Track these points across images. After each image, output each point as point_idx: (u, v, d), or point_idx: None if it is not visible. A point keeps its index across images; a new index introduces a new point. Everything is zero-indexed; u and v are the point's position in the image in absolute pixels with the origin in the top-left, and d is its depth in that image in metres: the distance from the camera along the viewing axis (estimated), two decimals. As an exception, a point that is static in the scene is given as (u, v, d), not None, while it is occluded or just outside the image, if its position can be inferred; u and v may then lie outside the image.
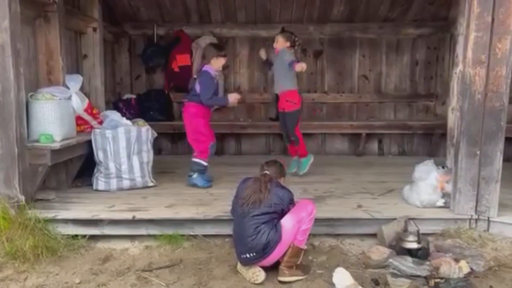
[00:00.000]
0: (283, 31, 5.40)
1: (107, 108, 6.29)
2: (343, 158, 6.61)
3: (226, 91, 6.74)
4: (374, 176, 5.32)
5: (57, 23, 4.32)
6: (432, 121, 6.63)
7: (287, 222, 3.10)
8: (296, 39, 5.21)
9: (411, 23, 6.62)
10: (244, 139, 6.88)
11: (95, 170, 4.50)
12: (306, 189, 4.62)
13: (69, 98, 4.13)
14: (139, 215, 3.71)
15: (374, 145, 6.92)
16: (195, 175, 4.69)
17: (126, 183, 4.49)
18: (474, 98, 3.53)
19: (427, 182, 3.85)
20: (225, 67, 6.42)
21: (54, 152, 3.81)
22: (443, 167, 3.94)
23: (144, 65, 6.67)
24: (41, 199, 3.99)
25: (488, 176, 3.60)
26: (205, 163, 4.72)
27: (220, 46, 5.19)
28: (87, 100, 4.68)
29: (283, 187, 3.28)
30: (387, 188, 4.62)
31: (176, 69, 6.50)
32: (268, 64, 5.43)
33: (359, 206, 3.94)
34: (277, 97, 5.43)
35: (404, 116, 6.91)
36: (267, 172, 3.31)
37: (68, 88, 4.24)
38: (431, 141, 6.68)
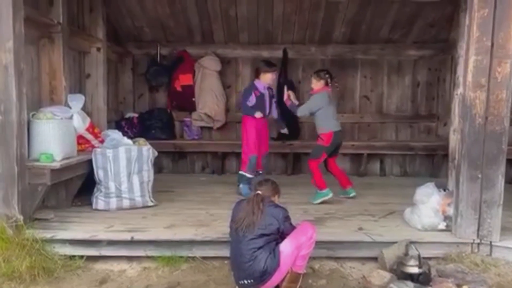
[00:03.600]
0: (316, 72, 5.15)
1: (109, 127, 6.34)
2: (344, 178, 6.59)
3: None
4: (376, 197, 5.29)
5: (60, 44, 4.37)
6: (434, 142, 6.62)
7: (285, 247, 3.06)
8: (327, 76, 4.98)
9: (412, 45, 6.68)
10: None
11: (95, 190, 4.49)
12: (307, 210, 4.59)
13: (71, 117, 4.15)
14: (138, 236, 3.68)
15: (376, 166, 6.91)
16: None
17: (125, 203, 4.47)
18: (475, 122, 3.53)
19: (428, 205, 3.82)
20: (227, 87, 6.54)
21: (54, 171, 3.81)
22: (444, 190, 3.91)
23: (147, 84, 6.72)
24: (39, 219, 3.97)
25: (490, 199, 3.57)
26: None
27: (270, 63, 5.39)
28: (89, 119, 4.69)
29: (276, 206, 3.26)
30: (389, 210, 4.58)
31: (179, 89, 6.55)
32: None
33: (360, 229, 3.90)
34: None
35: (405, 136, 6.91)
36: (259, 192, 3.29)
37: (70, 107, 4.25)
38: (433, 162, 6.66)
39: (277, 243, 3.14)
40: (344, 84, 6.82)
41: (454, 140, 4.31)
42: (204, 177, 6.54)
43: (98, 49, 5.38)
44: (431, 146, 6.55)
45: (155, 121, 6.51)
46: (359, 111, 6.90)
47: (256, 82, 5.21)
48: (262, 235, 3.09)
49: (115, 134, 4.53)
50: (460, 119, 3.68)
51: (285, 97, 5.20)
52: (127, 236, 3.67)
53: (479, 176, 3.56)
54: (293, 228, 3.23)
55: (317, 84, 5.01)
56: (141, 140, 4.83)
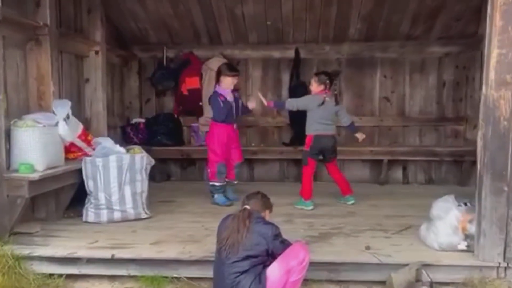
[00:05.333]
0: (317, 74, 5.02)
1: (114, 133, 6.14)
2: (363, 186, 6.07)
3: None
4: (393, 208, 4.82)
5: (48, 47, 4.14)
6: (462, 147, 6.04)
7: (273, 272, 2.68)
8: (328, 81, 4.81)
9: (436, 41, 6.13)
10: (257, 165, 6.51)
11: (86, 201, 4.24)
12: (312, 224, 4.18)
13: (56, 124, 3.89)
14: (120, 254, 3.38)
15: (398, 173, 6.39)
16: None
17: (117, 215, 4.19)
18: (499, 125, 3.03)
19: (446, 221, 3.33)
20: (237, 89, 6.15)
21: (33, 183, 3.55)
22: (465, 204, 3.40)
23: (153, 88, 6.47)
24: (22, 233, 3.74)
25: (519, 216, 3.06)
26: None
27: (232, 66, 5.22)
28: (81, 126, 4.45)
29: (266, 222, 2.89)
30: (405, 224, 4.11)
31: (185, 92, 6.26)
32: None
33: (367, 248, 3.45)
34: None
35: (430, 141, 6.36)
36: (247, 206, 2.93)
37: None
38: (462, 169, 6.08)
39: (265, 266, 2.76)
40: (362, 85, 6.39)
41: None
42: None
43: (97, 53, 5.14)
44: (459, 151, 5.98)
45: (161, 126, 6.23)
46: (379, 114, 6.40)
47: (217, 89, 4.91)
48: (248, 257, 2.73)
49: (107, 142, 4.26)
50: (482, 122, 3.18)
51: (265, 102, 5.02)
52: (107, 254, 3.37)
53: (505, 189, 3.06)
54: (285, 247, 2.84)
55: (317, 88, 4.81)
56: (136, 148, 4.55)
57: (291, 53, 6.24)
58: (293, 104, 4.91)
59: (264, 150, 6.28)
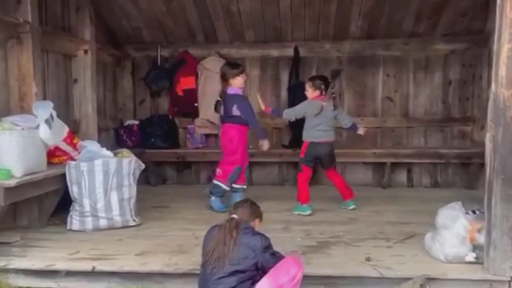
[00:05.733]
0: (311, 78, 4.76)
1: (107, 135, 5.94)
2: (365, 190, 5.82)
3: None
4: (397, 214, 4.56)
5: (30, 45, 3.93)
6: (469, 148, 5.77)
7: (262, 288, 2.44)
8: (323, 86, 4.57)
9: (441, 37, 5.86)
10: (256, 168, 6.26)
11: (71, 208, 4.02)
12: (310, 232, 3.93)
13: (37, 127, 3.67)
14: (101, 266, 3.14)
15: (402, 176, 6.13)
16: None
17: (103, 223, 3.96)
18: (510, 127, 2.77)
19: (452, 230, 3.07)
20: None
21: (10, 190, 3.31)
22: (474, 212, 3.14)
23: (147, 88, 6.24)
24: (1, 242, 3.52)
25: (533, 225, 2.80)
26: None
27: (235, 64, 4.94)
28: (67, 129, 4.24)
29: (255, 233, 2.65)
30: (409, 232, 3.85)
31: (180, 93, 6.03)
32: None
33: (368, 259, 3.19)
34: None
35: (436, 142, 6.08)
36: (235, 216, 2.69)
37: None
38: (469, 172, 5.82)
39: (254, 282, 2.52)
40: (364, 84, 6.13)
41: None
42: (207, 189, 5.97)
43: (86, 52, 4.94)
44: (466, 153, 5.71)
45: (155, 128, 6.02)
46: (382, 115, 6.13)
47: (236, 91, 4.61)
48: (235, 272, 2.50)
49: (92, 145, 4.04)
50: (491, 124, 2.92)
51: (263, 106, 4.74)
52: (88, 266, 3.14)
53: (518, 196, 2.80)
54: (276, 260, 2.60)
55: (312, 94, 4.60)
56: (125, 152, 4.33)
57: (290, 52, 6.00)
58: (291, 115, 4.70)
59: (263, 153, 6.01)
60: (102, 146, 4.97)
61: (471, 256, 3.05)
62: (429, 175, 6.08)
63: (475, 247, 3.05)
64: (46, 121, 3.73)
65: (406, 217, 4.43)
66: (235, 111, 4.56)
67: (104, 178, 3.93)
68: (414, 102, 6.09)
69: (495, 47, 2.89)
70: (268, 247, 2.62)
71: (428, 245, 3.26)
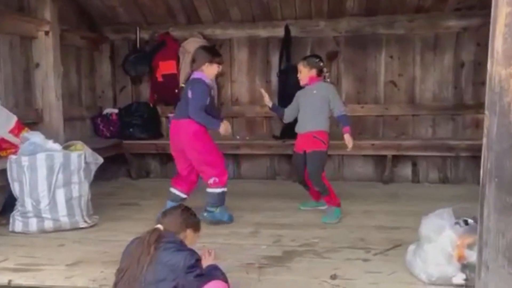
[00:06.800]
0: (305, 57, 4.11)
1: (83, 125, 5.56)
2: (364, 185, 5.27)
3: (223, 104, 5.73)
4: (390, 216, 3.97)
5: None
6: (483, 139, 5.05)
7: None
8: (322, 64, 3.96)
9: (452, 13, 5.14)
10: (244, 160, 5.76)
11: (15, 207, 3.61)
12: (279, 239, 3.39)
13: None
14: (20, 279, 2.72)
15: (407, 170, 5.49)
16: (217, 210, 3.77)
17: (48, 224, 3.53)
18: (508, 116, 2.14)
19: (436, 245, 2.48)
20: (220, 75, 5.34)
21: None
22: (465, 223, 2.53)
23: (126, 74, 5.78)
24: None
25: (536, 243, 2.17)
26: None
27: (214, 50, 4.23)
28: (14, 119, 3.84)
29: (180, 249, 2.14)
30: (397, 240, 3.27)
31: (160, 79, 5.54)
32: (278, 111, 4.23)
33: (333, 278, 2.63)
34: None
35: (446, 133, 5.40)
36: (160, 226, 2.20)
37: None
38: (482, 166, 5.11)
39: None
40: (365, 67, 5.48)
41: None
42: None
43: (47, 33, 4.49)
44: (479, 145, 4.91)
45: (134, 117, 5.56)
46: (384, 101, 5.48)
47: (201, 76, 3.67)
48: (149, 299, 1.99)
49: (36, 137, 3.59)
50: (486, 112, 2.29)
51: (267, 101, 4.08)
52: (5, 279, 2.71)
53: (517, 205, 2.17)
54: (201, 284, 2.09)
55: (307, 75, 3.87)
56: (79, 144, 3.86)
57: (280, 32, 5.41)
58: (290, 115, 4.08)
59: (252, 144, 5.49)
60: (77, 137, 4.59)
61: (460, 278, 2.46)
62: (437, 169, 5.42)
63: (465, 267, 2.45)
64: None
65: (400, 220, 3.83)
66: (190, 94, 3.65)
67: (48, 174, 3.49)
68: (421, 87, 5.40)
69: (492, 13, 2.26)
70: (193, 266, 2.11)
71: (409, 261, 2.67)
